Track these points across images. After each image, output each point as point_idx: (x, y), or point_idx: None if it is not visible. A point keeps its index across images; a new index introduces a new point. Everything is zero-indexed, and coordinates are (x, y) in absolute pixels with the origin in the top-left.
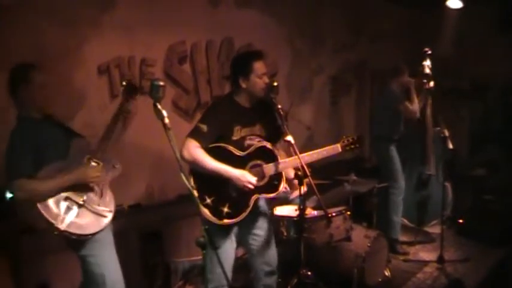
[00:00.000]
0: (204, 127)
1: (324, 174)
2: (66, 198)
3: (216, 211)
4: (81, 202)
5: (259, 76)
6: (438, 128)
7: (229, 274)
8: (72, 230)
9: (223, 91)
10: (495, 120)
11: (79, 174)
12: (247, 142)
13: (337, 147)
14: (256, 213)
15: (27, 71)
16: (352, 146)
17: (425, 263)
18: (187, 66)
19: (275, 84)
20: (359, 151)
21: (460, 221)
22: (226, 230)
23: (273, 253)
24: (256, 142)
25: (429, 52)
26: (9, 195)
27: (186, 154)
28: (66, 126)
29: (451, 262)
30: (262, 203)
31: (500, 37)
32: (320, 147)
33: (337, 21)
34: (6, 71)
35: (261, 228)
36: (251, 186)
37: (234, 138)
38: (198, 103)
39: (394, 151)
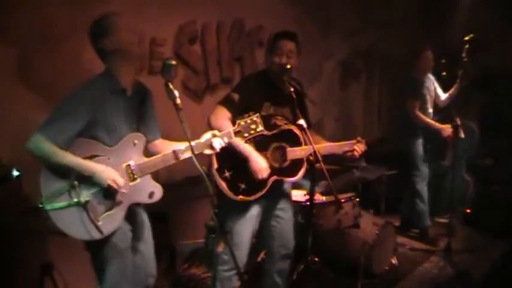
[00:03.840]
0: (236, 96)
1: (333, 159)
2: (73, 186)
3: (232, 186)
4: (82, 200)
5: (276, 53)
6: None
7: (245, 257)
8: (52, 216)
9: (233, 73)
10: (504, 109)
11: (96, 168)
12: (275, 121)
13: (363, 142)
14: (281, 194)
15: (104, 20)
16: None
17: (432, 252)
18: (198, 47)
19: (288, 66)
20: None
21: (468, 210)
22: (245, 210)
23: (291, 237)
24: (283, 124)
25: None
26: (15, 173)
27: (213, 120)
28: (143, 110)
29: (458, 252)
30: (287, 185)
31: (511, 25)
32: (328, 132)
33: (347, 6)
34: (13, 47)
35: (284, 211)
36: (261, 177)
37: (263, 113)
38: (208, 84)
39: (417, 139)
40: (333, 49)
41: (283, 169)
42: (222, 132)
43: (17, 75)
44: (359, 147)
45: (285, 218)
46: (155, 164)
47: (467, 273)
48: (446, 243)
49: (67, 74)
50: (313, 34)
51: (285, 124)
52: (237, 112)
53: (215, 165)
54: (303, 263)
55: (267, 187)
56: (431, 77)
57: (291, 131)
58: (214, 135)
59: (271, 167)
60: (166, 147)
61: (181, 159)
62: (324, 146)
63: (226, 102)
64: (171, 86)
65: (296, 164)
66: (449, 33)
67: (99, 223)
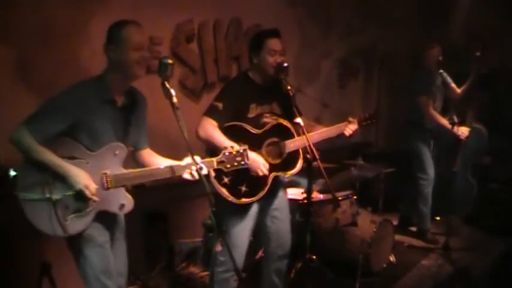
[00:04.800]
0: (220, 105)
1: (330, 157)
2: (47, 183)
3: (234, 190)
4: (53, 197)
5: (270, 53)
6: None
7: (243, 257)
8: (23, 206)
9: (231, 71)
10: (504, 108)
11: (72, 171)
12: (264, 120)
13: (355, 122)
14: (276, 195)
15: (119, 28)
16: (369, 121)
17: (431, 250)
18: (195, 46)
19: (285, 64)
20: (374, 125)
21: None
22: (243, 212)
23: (288, 237)
24: (272, 120)
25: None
26: (12, 173)
27: (201, 133)
28: (131, 121)
29: (456, 250)
30: (282, 185)
31: (510, 24)
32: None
33: (347, 5)
34: (12, 47)
35: (280, 211)
36: (261, 173)
37: (250, 115)
38: (205, 83)
39: (425, 140)
40: (332, 47)
41: (281, 164)
42: (203, 160)
43: (16, 75)
44: (350, 128)
45: (280, 218)
46: (131, 177)
47: (466, 271)
48: (445, 241)
49: (66, 74)
50: (313, 33)
51: (274, 119)
52: (224, 120)
53: (212, 174)
54: (301, 261)
55: (268, 185)
56: (443, 72)
57: (281, 124)
58: (196, 163)
59: (268, 164)
60: (151, 160)
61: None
62: (318, 133)
63: (212, 112)
64: (167, 85)
65: (292, 157)
66: (448, 32)
67: (67, 222)
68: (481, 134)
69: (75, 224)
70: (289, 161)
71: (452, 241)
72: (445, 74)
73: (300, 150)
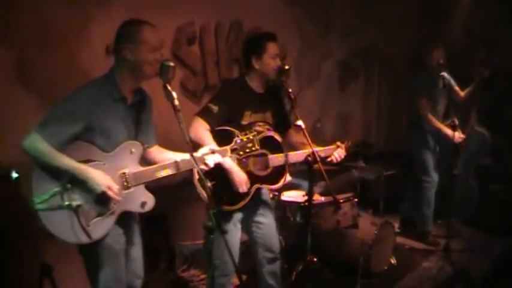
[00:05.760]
0: (215, 108)
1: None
2: (66, 189)
3: (215, 196)
4: (74, 204)
5: (272, 57)
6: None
7: (236, 259)
8: (41, 216)
9: (232, 73)
10: (503, 108)
11: (91, 174)
12: (256, 128)
13: (343, 147)
14: (259, 200)
15: (138, 28)
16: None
17: (431, 251)
18: (196, 48)
19: (286, 67)
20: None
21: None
22: (230, 215)
23: (275, 240)
24: (265, 130)
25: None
26: (14, 175)
27: (192, 133)
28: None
29: (457, 251)
30: (264, 190)
31: (510, 25)
32: (326, 132)
33: (346, 6)
34: (12, 47)
35: (263, 216)
36: (242, 190)
37: (243, 122)
38: (206, 85)
39: (427, 142)
40: (332, 49)
41: (265, 176)
42: (219, 149)
43: (16, 77)
44: (338, 154)
45: (265, 223)
46: (150, 174)
47: (467, 273)
48: (446, 243)
49: (66, 74)
50: (312, 34)
51: (268, 130)
52: (216, 123)
53: (196, 176)
54: (301, 263)
55: (250, 195)
56: (445, 75)
57: (272, 137)
58: (213, 151)
59: (253, 174)
60: (161, 156)
61: (181, 170)
62: (303, 153)
63: (205, 114)
64: (169, 88)
65: (278, 171)
66: (448, 33)
67: (89, 228)
68: (484, 138)
69: (98, 228)
70: (273, 174)
71: (453, 242)
72: (448, 77)
73: (286, 166)
